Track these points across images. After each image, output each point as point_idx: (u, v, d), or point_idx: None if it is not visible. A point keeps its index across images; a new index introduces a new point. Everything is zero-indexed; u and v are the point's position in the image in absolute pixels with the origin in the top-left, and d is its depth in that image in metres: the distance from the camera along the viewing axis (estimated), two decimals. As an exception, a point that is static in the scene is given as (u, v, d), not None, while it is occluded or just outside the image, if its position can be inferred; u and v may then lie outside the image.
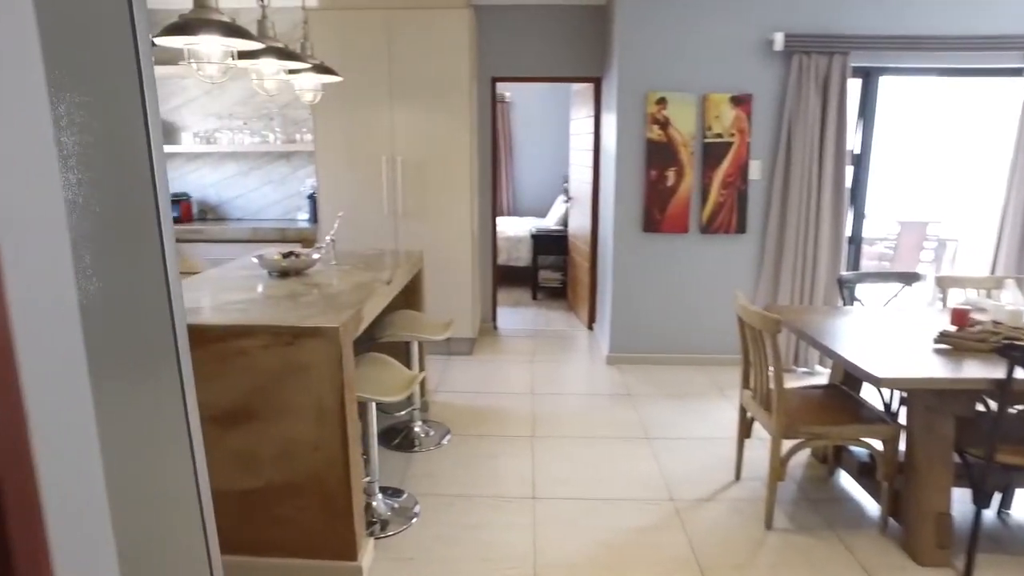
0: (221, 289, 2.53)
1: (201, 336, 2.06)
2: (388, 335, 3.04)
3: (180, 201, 4.87)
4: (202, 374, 2.15)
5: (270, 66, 2.55)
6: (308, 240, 4.46)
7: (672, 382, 4.09)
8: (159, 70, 4.80)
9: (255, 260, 2.77)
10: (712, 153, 4.10)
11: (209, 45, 2.11)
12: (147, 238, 0.98)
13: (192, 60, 2.20)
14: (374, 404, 2.44)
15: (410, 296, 3.48)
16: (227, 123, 4.92)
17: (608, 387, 4.03)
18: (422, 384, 3.59)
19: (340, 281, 2.69)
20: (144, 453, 0.99)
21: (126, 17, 0.91)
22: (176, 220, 4.85)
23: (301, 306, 2.25)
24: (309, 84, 3.02)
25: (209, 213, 5.13)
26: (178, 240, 4.29)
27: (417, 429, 3.32)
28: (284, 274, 2.76)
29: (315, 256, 2.89)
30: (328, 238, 3.07)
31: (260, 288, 2.56)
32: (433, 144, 4.26)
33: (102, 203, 0.85)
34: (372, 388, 2.36)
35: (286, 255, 2.84)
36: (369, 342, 3.29)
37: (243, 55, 2.40)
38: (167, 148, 4.83)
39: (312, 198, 4.69)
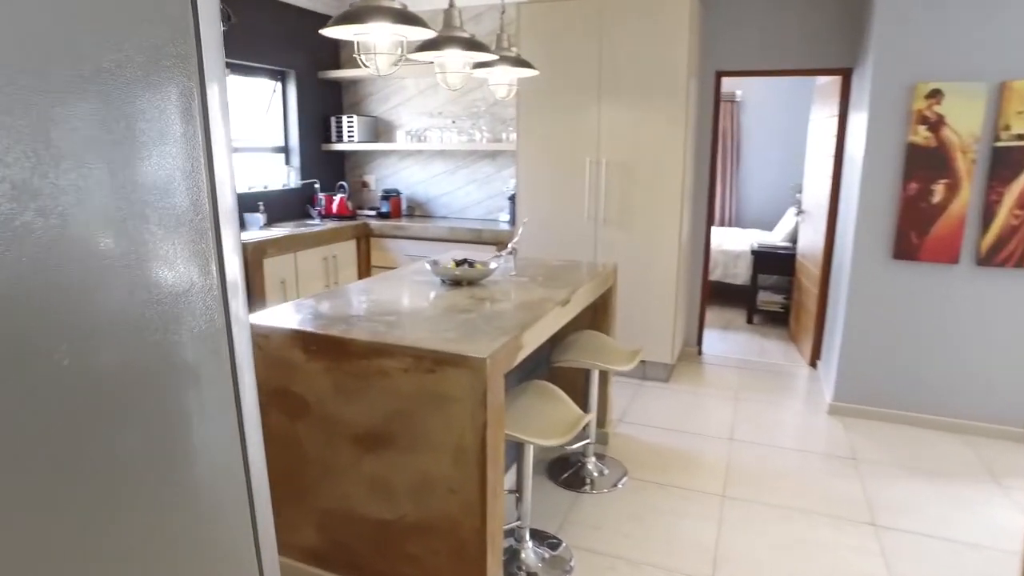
0: (385, 295, 2.39)
1: (345, 350, 1.90)
2: (566, 359, 2.72)
3: (391, 197, 5.01)
4: (345, 389, 2.01)
5: (455, 59, 2.35)
6: (503, 243, 4.30)
7: (917, 451, 3.23)
8: (349, 72, 5.05)
9: (427, 267, 2.60)
10: (1006, 161, 3.14)
11: (379, 34, 1.93)
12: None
13: (360, 53, 2.03)
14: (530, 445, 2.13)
15: (598, 315, 3.12)
16: (437, 122, 4.96)
17: (827, 445, 3.30)
18: (603, 413, 3.22)
19: (514, 296, 2.42)
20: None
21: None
22: (385, 215, 5.00)
23: (456, 325, 2.01)
24: (503, 78, 2.79)
25: (417, 210, 5.24)
26: (382, 236, 4.35)
27: (590, 467, 2.95)
28: (456, 283, 2.56)
29: (492, 265, 2.66)
30: (509, 246, 2.83)
31: (427, 297, 2.38)
32: (642, 146, 3.84)
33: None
34: (527, 427, 2.04)
35: (460, 263, 2.64)
36: (544, 366, 2.99)
37: (425, 48, 2.22)
38: (384, 146, 4.99)
39: (513, 199, 4.53)
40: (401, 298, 2.36)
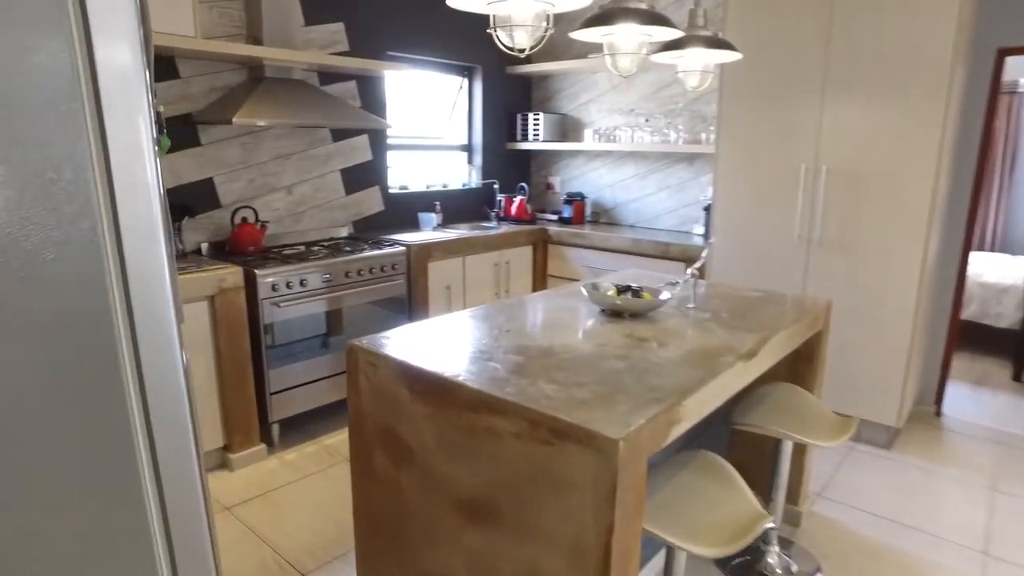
0: (527, 323, 1.99)
1: (450, 396, 1.54)
2: (749, 422, 2.12)
3: (574, 201, 4.62)
4: (449, 443, 1.63)
5: (627, 36, 1.87)
6: (693, 260, 3.71)
7: None
8: (571, 64, 4.68)
9: (584, 292, 2.16)
10: None
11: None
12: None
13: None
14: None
15: (800, 364, 2.45)
16: (629, 120, 4.46)
17: None
18: (795, 485, 2.54)
19: (684, 339, 1.89)
20: None
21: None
22: (567, 221, 4.62)
23: (597, 379, 1.54)
24: (695, 63, 2.25)
25: (602, 216, 4.80)
26: (560, 243, 3.97)
27: (772, 559, 2.31)
28: (617, 314, 2.09)
29: (664, 296, 2.14)
30: (689, 272, 2.28)
31: (577, 330, 1.94)
32: (879, 150, 3.03)
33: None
34: (678, 523, 1.52)
35: (623, 290, 2.16)
36: (717, 426, 2.41)
37: (593, 23, 1.79)
38: (571, 146, 4.62)
39: (709, 210, 3.91)
40: (543, 329, 1.94)
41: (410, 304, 3.64)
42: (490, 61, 4.66)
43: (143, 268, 0.68)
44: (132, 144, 0.63)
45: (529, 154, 5.17)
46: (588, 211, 4.80)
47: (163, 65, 3.04)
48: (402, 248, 3.54)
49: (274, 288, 2.95)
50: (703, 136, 4.10)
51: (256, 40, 3.19)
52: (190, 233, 3.25)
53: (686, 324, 2.03)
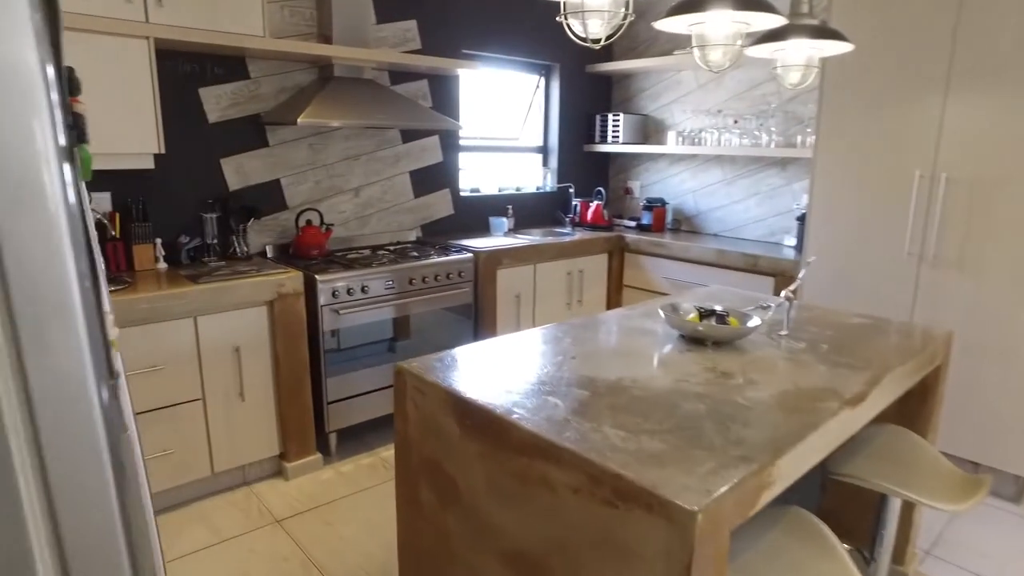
0: (594, 349, 1.78)
1: (501, 435, 1.35)
2: (850, 473, 1.83)
3: (654, 207, 4.35)
4: (499, 488, 1.44)
5: (719, 23, 1.63)
6: (785, 274, 3.38)
7: None
8: (655, 62, 4.40)
9: (661, 314, 1.92)
10: None
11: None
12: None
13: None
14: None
15: (913, 404, 2.12)
16: (716, 121, 4.15)
17: None
18: (902, 543, 2.21)
19: (776, 375, 1.63)
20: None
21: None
22: (646, 228, 4.36)
23: (672, 426, 1.32)
24: (797, 57, 1.97)
25: (683, 224, 4.50)
26: (638, 251, 3.72)
27: (873, 628, 2.00)
28: (699, 341, 1.85)
29: (753, 323, 1.88)
30: (784, 294, 2.00)
31: (651, 358, 1.71)
32: (1012, 153, 2.63)
33: None
34: (768, 604, 1.28)
35: (706, 313, 1.91)
36: (811, 476, 2.11)
37: (679, 10, 1.56)
38: (653, 148, 4.35)
39: (803, 220, 3.56)
40: (613, 356, 1.72)
41: (476, 313, 3.49)
42: (569, 59, 4.45)
43: (44, 341, 0.52)
44: (25, 154, 0.47)
45: (607, 157, 4.93)
46: (668, 218, 4.51)
47: (233, 65, 3.00)
48: (469, 255, 3.38)
49: (334, 294, 2.85)
50: (798, 139, 3.74)
51: (326, 39, 3.11)
52: (255, 235, 3.20)
53: (778, 356, 1.76)
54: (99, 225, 2.48)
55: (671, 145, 4.30)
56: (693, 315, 1.92)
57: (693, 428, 1.30)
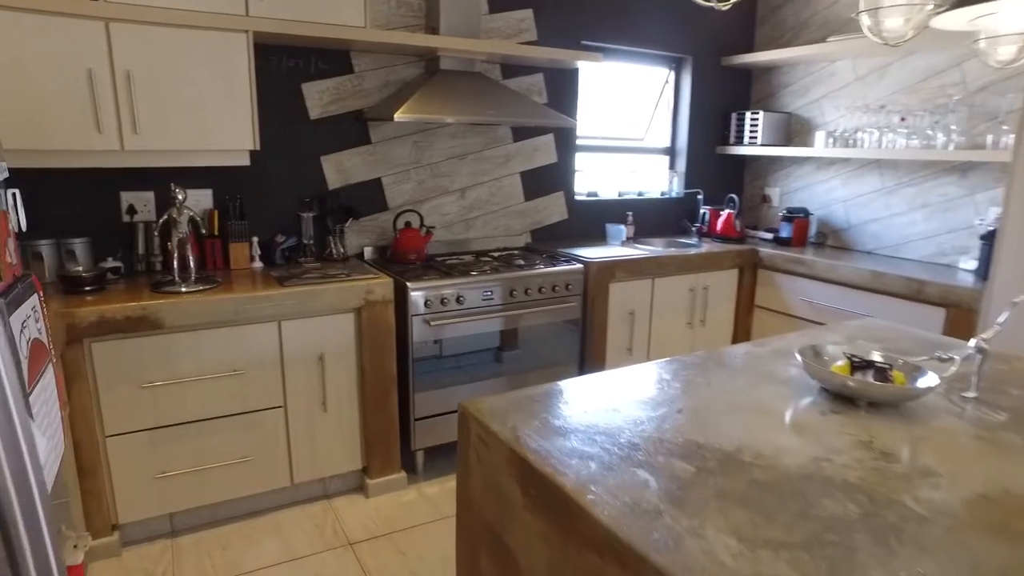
0: (709, 400, 1.40)
1: (568, 518, 1.03)
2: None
3: (795, 218, 3.80)
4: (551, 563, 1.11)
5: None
6: (965, 308, 2.77)
7: None
8: (804, 51, 3.84)
9: (799, 358, 1.50)
10: None
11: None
12: None
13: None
14: None
15: None
16: (877, 119, 3.54)
17: None
18: None
19: (964, 463, 1.19)
20: None
21: None
22: (784, 242, 3.82)
23: (803, 540, 0.93)
24: (1012, 23, 1.48)
25: (830, 238, 3.91)
26: (773, 268, 3.21)
27: None
28: (848, 398, 1.42)
29: (927, 381, 1.42)
30: (975, 342, 1.52)
31: (781, 420, 1.32)
32: None
33: None
34: None
35: (858, 364, 1.47)
36: None
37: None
38: (797, 151, 3.80)
39: (990, 239, 2.90)
40: (731, 413, 1.34)
41: (584, 329, 3.16)
42: (703, 51, 4.00)
43: None
44: None
45: (742, 160, 4.41)
46: (812, 231, 3.94)
47: (337, 59, 2.88)
48: (579, 266, 3.06)
49: (426, 304, 2.64)
50: (988, 139, 3.08)
51: (433, 30, 2.91)
52: (354, 236, 3.07)
53: (965, 431, 1.30)
54: (192, 223, 2.41)
55: (819, 147, 3.73)
56: (842, 363, 1.49)
57: (838, 545, 0.91)
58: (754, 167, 4.37)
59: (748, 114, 4.02)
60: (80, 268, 2.42)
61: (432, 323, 2.65)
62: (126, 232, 2.62)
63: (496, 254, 3.31)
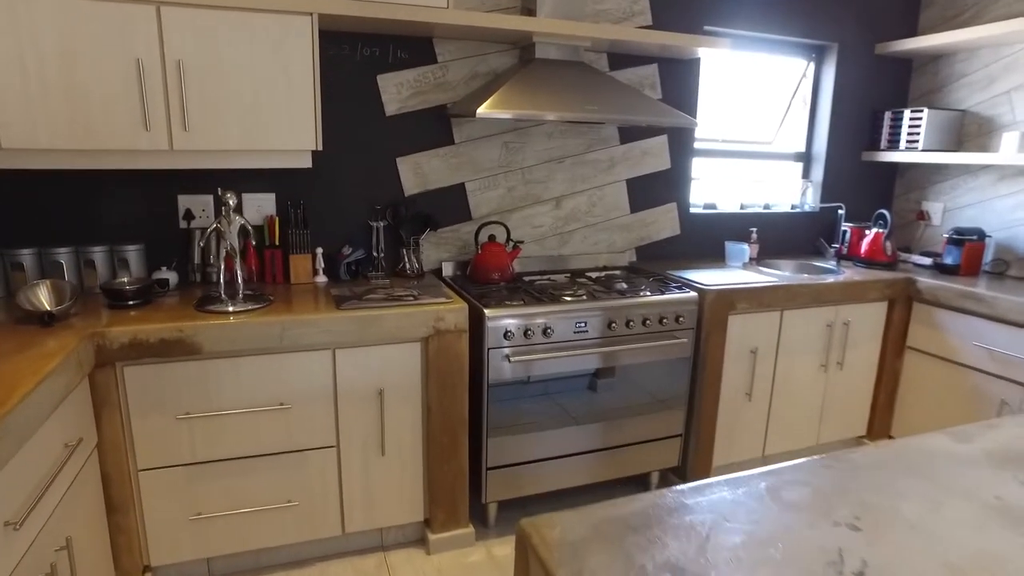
0: (899, 544, 0.89)
1: None
2: None
3: (965, 241, 3.09)
4: None
5: None
6: None
7: None
8: (990, 30, 3.09)
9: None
10: None
11: None
12: None
13: None
14: None
15: None
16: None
17: None
18: None
19: None
20: None
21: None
22: (949, 270, 3.12)
23: None
24: None
25: (1013, 266, 3.15)
26: (935, 303, 2.20)
27: None
28: None
29: None
30: None
31: (992, 538, 0.79)
32: None
33: None
34: None
35: None
36: None
37: None
38: (970, 157, 3.09)
39: None
40: (947, 572, 0.83)
41: (696, 368, 2.64)
42: (853, 37, 3.35)
43: None
44: None
45: (894, 169, 3.70)
46: (987, 258, 3.20)
47: (419, 47, 2.52)
48: (693, 294, 2.55)
49: (506, 335, 2.22)
50: None
51: (530, 12, 2.50)
52: (431, 249, 2.71)
53: None
54: (243, 232, 2.12)
55: (1008, 153, 3.00)
56: None
57: None
58: (908, 177, 3.65)
59: (907, 113, 3.32)
60: (126, 279, 2.19)
61: (513, 358, 2.24)
62: (183, 239, 2.38)
63: (594, 275, 2.85)
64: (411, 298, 2.19)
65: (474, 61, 2.61)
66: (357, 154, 2.53)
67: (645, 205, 3.09)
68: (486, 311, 2.20)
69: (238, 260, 2.10)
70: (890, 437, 3.24)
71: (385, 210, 2.57)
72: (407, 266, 2.58)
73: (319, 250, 2.44)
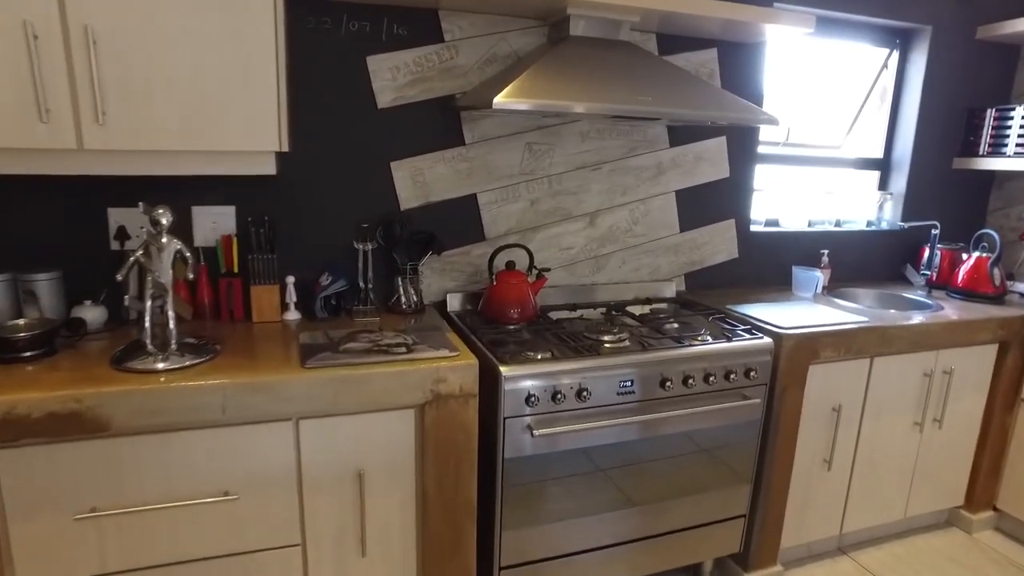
0: None
1: None
2: None
3: (1092, 270, 2.50)
4: None
5: None
6: None
7: None
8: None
9: None
10: None
11: None
12: None
13: None
14: None
15: None
16: None
17: None
18: None
19: None
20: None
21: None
22: (977, 297, 2.53)
23: None
24: None
25: None
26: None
27: None
28: None
29: None
30: None
31: None
32: None
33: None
34: None
35: None
36: None
37: None
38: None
39: None
40: None
41: (765, 436, 2.08)
42: (948, 18, 2.77)
43: None
44: None
45: (990, 179, 3.11)
46: (1115, 288, 2.60)
47: (420, 21, 1.98)
48: (766, 340, 1.99)
49: (529, 400, 1.67)
50: None
51: (564, -24, 1.95)
52: (435, 277, 2.17)
53: None
54: (179, 260, 1.58)
55: None
56: None
57: None
58: (1008, 189, 3.05)
59: (1020, 110, 2.73)
60: (24, 320, 1.66)
61: (536, 431, 1.69)
62: (116, 264, 1.85)
63: (637, 310, 2.30)
64: (403, 349, 1.65)
65: (491, 40, 2.06)
66: (340, 157, 1.99)
67: (698, 222, 2.53)
68: (502, 369, 1.65)
69: (170, 298, 1.57)
70: (995, 509, 2.65)
71: (375, 229, 2.04)
72: (402, 299, 2.04)
73: (290, 279, 1.91)
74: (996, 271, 2.65)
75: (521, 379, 1.66)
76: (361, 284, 2.00)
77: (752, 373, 1.94)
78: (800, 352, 2.03)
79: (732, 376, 1.91)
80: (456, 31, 2.02)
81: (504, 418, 1.67)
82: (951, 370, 2.38)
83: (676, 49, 2.32)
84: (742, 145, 2.54)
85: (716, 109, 1.86)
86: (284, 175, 1.94)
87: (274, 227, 1.91)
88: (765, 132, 2.65)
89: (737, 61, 2.44)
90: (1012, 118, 2.76)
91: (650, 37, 2.27)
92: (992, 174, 3.09)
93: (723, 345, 1.91)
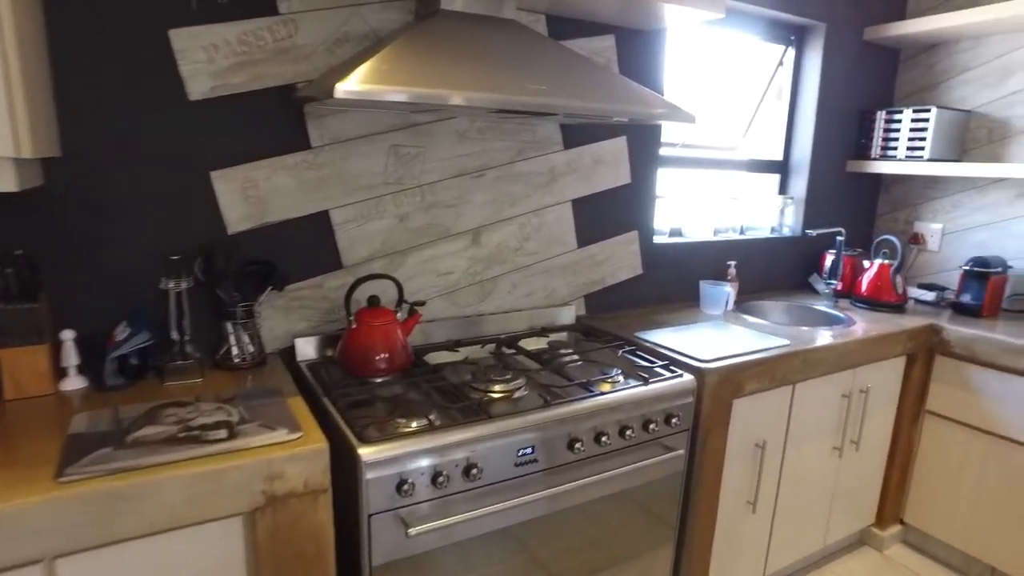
0: None
1: None
2: None
3: (990, 274, 2.43)
4: None
5: None
6: None
7: None
8: (1004, 9, 2.22)
9: None
10: None
11: None
12: None
13: None
14: None
15: None
16: None
17: None
18: None
19: None
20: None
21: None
22: (967, 310, 2.46)
23: None
24: None
25: (1036, 304, 2.54)
26: (959, 355, 1.84)
27: None
28: None
29: None
30: None
31: None
32: None
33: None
34: None
35: None
36: None
37: None
38: (978, 169, 2.44)
39: None
40: None
41: (688, 484, 1.78)
42: (842, 17, 2.64)
43: None
44: None
45: (878, 182, 3.04)
46: (1006, 292, 2.56)
47: (246, -15, 1.52)
48: (687, 377, 1.69)
49: (402, 489, 1.26)
50: None
51: (430, -65, 1.55)
52: (278, 318, 1.70)
53: None
54: None
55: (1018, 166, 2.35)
56: None
57: None
58: (895, 192, 2.99)
59: (908, 113, 2.64)
60: None
61: (412, 528, 1.27)
62: None
63: (533, 345, 1.94)
64: (223, 432, 1.18)
65: (342, 15, 1.62)
66: (138, 166, 1.48)
67: (597, 236, 2.21)
68: (362, 452, 1.22)
69: None
70: (902, 523, 2.53)
71: (191, 260, 1.54)
72: (234, 351, 1.55)
73: (67, 335, 1.38)
74: (899, 279, 2.54)
75: (388, 463, 1.24)
76: (175, 335, 1.50)
77: (674, 420, 1.63)
78: (724, 388, 1.75)
79: (652, 426, 1.59)
80: (295, 2, 1.56)
81: (369, 516, 1.24)
82: (867, 388, 2.22)
83: (569, 34, 1.98)
84: (644, 146, 2.25)
85: (627, 103, 1.53)
86: (52, 191, 1.41)
87: (33, 265, 1.37)
88: (665, 132, 2.38)
89: (636, 51, 2.14)
90: (900, 121, 2.66)
91: (539, 19, 1.91)
92: (879, 177, 3.02)
93: (640, 389, 1.58)
